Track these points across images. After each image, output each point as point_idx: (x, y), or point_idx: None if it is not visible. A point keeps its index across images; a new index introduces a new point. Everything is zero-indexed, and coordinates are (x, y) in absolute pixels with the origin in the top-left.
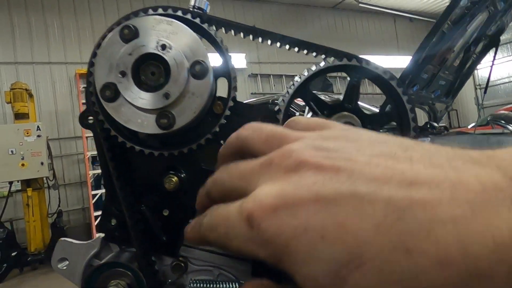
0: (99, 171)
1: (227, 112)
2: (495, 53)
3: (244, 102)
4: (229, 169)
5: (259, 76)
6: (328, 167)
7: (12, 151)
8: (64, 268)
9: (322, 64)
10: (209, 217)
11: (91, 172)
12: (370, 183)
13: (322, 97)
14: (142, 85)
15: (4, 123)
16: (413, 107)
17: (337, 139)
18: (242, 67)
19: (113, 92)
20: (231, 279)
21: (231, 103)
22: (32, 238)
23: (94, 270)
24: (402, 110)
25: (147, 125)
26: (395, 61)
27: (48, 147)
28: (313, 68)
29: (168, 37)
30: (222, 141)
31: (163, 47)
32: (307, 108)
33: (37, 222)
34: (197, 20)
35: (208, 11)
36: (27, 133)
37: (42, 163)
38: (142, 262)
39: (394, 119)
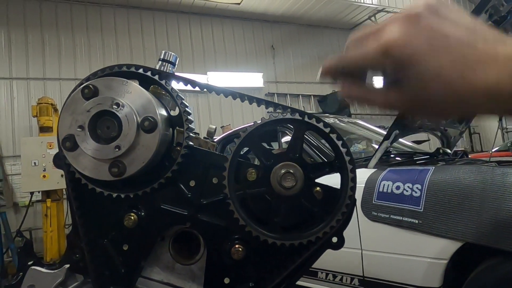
0: None
1: (179, 159)
2: None
3: (198, 147)
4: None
5: (276, 95)
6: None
7: (35, 163)
8: None
9: (267, 119)
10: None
11: None
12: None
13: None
14: (98, 138)
15: (30, 135)
16: (352, 159)
17: None
18: (259, 86)
19: (72, 143)
20: None
21: (184, 151)
22: (48, 248)
23: None
24: (342, 162)
25: (101, 173)
26: None
27: None
28: (258, 121)
29: (123, 95)
30: (180, 184)
31: (117, 105)
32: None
33: (54, 232)
34: (156, 77)
35: (176, 63)
36: (50, 146)
37: (62, 175)
38: None
39: (334, 169)
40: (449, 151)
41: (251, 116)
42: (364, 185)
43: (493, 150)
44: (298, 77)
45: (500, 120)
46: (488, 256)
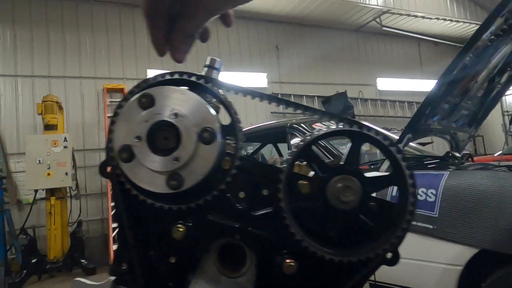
0: None
1: (233, 171)
2: None
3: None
4: None
5: (279, 95)
6: None
7: (39, 161)
8: None
9: (324, 129)
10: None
11: None
12: None
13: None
14: (155, 149)
15: (34, 133)
16: (412, 174)
17: None
18: (263, 87)
19: (129, 154)
20: None
21: (237, 162)
22: (52, 246)
23: None
24: (401, 176)
25: (158, 185)
26: (419, 85)
27: (73, 158)
28: (316, 133)
29: (181, 105)
30: (230, 195)
31: (176, 115)
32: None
33: (57, 230)
34: (209, 85)
35: (221, 69)
36: (55, 144)
37: (66, 173)
38: None
39: (393, 183)
40: (458, 154)
41: (255, 117)
42: None
43: (497, 154)
44: (302, 77)
45: (504, 123)
46: (504, 263)
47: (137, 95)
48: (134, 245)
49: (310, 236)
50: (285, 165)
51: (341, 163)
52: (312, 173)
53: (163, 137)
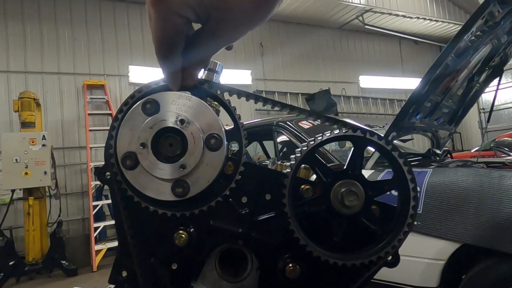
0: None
1: (238, 177)
2: (499, 81)
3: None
4: None
5: (264, 93)
6: None
7: (16, 159)
8: None
9: (328, 134)
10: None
11: (93, 183)
12: None
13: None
14: (160, 156)
15: (10, 131)
16: (413, 178)
17: None
18: (248, 84)
19: (133, 161)
20: None
21: (241, 168)
22: (30, 248)
23: None
24: (403, 180)
25: (163, 193)
26: (400, 82)
27: (52, 157)
28: (320, 138)
29: (187, 111)
30: (232, 200)
31: (182, 121)
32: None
33: (36, 231)
34: (213, 90)
35: (221, 73)
36: (32, 142)
37: (45, 172)
38: None
39: (395, 187)
40: (439, 151)
41: (239, 114)
42: None
43: (474, 150)
44: (286, 75)
45: (481, 121)
46: (484, 257)
47: (141, 101)
48: (135, 252)
49: (313, 240)
50: (289, 170)
51: (344, 167)
52: (314, 177)
53: (168, 143)
